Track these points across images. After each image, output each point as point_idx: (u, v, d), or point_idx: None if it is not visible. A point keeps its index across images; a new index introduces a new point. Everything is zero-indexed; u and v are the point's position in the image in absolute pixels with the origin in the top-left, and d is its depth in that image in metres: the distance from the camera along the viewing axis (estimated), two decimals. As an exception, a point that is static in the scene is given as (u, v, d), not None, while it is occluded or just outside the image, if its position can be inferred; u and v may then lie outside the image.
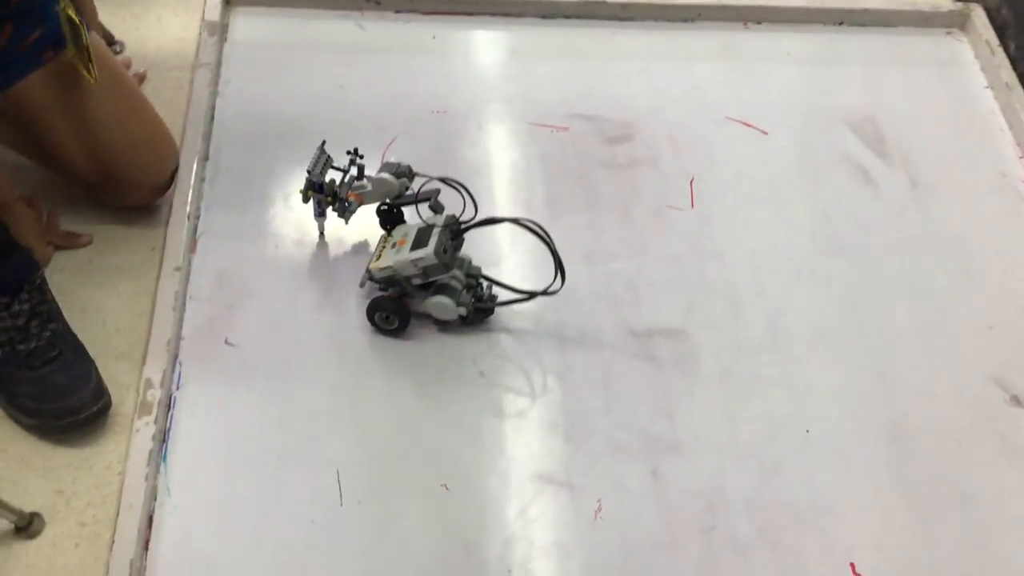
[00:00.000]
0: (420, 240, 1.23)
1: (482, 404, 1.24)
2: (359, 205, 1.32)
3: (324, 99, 1.55)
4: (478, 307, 1.27)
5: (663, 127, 1.56)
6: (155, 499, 1.14)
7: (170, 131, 1.39)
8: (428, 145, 1.51)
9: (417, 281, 1.24)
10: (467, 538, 1.14)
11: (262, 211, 1.41)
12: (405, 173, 1.30)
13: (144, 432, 1.16)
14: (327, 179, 1.30)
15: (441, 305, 1.24)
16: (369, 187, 1.30)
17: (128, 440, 1.17)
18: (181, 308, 1.28)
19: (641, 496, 1.18)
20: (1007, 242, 1.47)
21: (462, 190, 1.23)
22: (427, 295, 1.25)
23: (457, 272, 1.25)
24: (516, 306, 1.30)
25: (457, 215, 1.25)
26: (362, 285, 1.30)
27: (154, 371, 1.21)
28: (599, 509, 1.17)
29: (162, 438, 1.18)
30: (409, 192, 1.31)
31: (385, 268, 1.24)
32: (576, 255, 1.39)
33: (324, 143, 1.31)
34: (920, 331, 1.36)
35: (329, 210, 1.33)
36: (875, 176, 1.53)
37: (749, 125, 1.58)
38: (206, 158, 1.46)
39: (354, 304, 1.32)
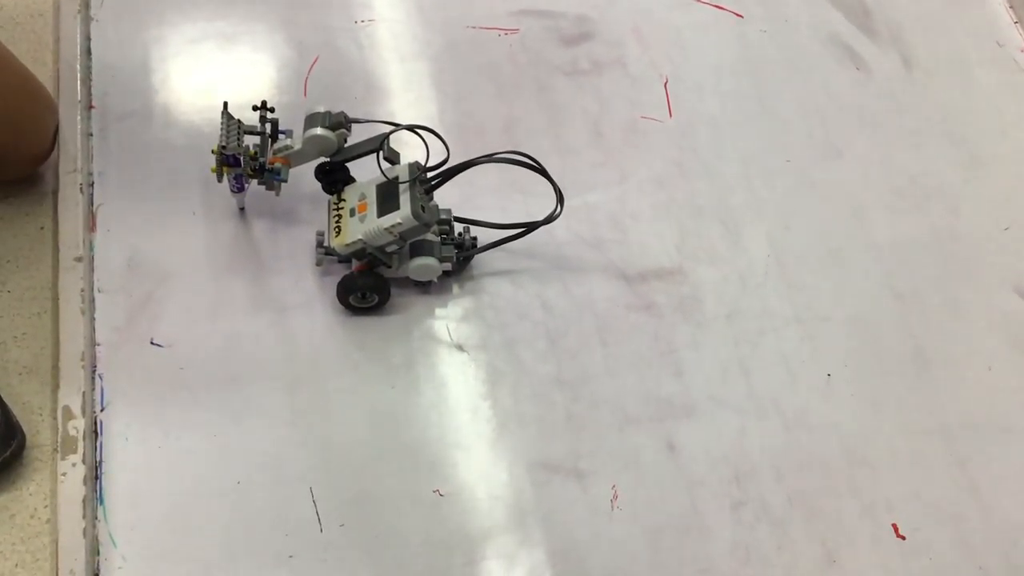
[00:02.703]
0: (386, 200, 1.02)
1: (467, 386, 1.08)
2: (288, 170, 1.08)
3: (224, 15, 1.29)
4: (463, 256, 1.09)
5: (625, 17, 1.35)
6: (98, 553, 0.95)
7: (40, 81, 1.12)
8: (355, 63, 1.28)
9: (392, 248, 1.05)
10: (470, 550, 0.99)
11: (172, 166, 1.17)
12: (341, 123, 1.07)
13: (72, 476, 0.96)
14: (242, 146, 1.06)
15: (424, 267, 1.06)
16: (297, 146, 1.07)
17: (53, 483, 0.98)
18: (90, 307, 1.06)
19: (659, 474, 1.05)
20: (1010, 123, 1.33)
21: (425, 134, 1.03)
22: (402, 260, 1.06)
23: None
24: (492, 261, 1.11)
25: (420, 162, 1.04)
26: (319, 264, 1.09)
27: (71, 395, 1.00)
28: (615, 496, 1.03)
29: (94, 476, 0.98)
30: (349, 144, 1.08)
31: (353, 243, 1.03)
32: (545, 188, 1.20)
33: (226, 105, 1.07)
34: (932, 238, 1.23)
35: (254, 183, 1.09)
36: (865, 58, 1.36)
37: (721, 7, 1.38)
38: (91, 107, 1.20)
39: (301, 278, 1.11)
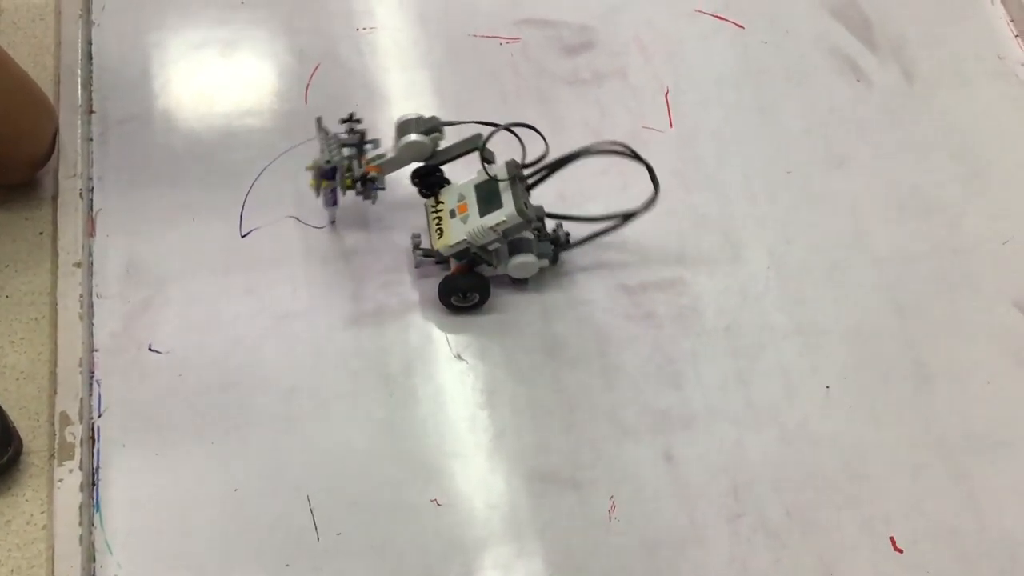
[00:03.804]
0: (488, 200, 1.03)
1: (465, 395, 1.07)
2: (384, 178, 1.08)
3: (225, 21, 1.29)
4: (559, 251, 1.11)
5: (627, 28, 1.35)
6: (94, 560, 0.95)
7: (39, 85, 1.12)
8: (357, 71, 1.27)
9: (494, 247, 1.06)
10: (467, 560, 0.99)
11: (171, 172, 1.17)
12: (436, 127, 1.07)
13: (69, 483, 0.96)
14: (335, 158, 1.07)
15: (523, 265, 1.08)
16: (391, 154, 1.07)
17: (49, 489, 0.97)
18: (89, 313, 1.06)
19: (657, 486, 1.05)
20: (1011, 136, 1.33)
21: (522, 131, 1.03)
22: (501, 258, 1.07)
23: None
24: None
25: (516, 159, 1.05)
26: (417, 266, 1.10)
27: (68, 401, 1.00)
28: (613, 508, 1.03)
29: (91, 483, 0.98)
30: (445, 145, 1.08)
31: (458, 243, 1.04)
32: (546, 199, 1.20)
33: (320, 120, 1.08)
34: (933, 251, 1.22)
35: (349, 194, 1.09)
36: (866, 70, 1.36)
37: (722, 18, 1.38)
38: (91, 111, 1.20)
39: (299, 285, 1.11)
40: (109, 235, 1.12)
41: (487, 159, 1.05)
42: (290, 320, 1.09)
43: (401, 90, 1.26)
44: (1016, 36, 1.42)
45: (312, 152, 1.12)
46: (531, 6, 1.35)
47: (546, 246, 1.09)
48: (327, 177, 1.06)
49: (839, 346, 1.14)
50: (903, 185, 1.27)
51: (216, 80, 1.24)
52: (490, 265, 1.08)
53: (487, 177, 1.04)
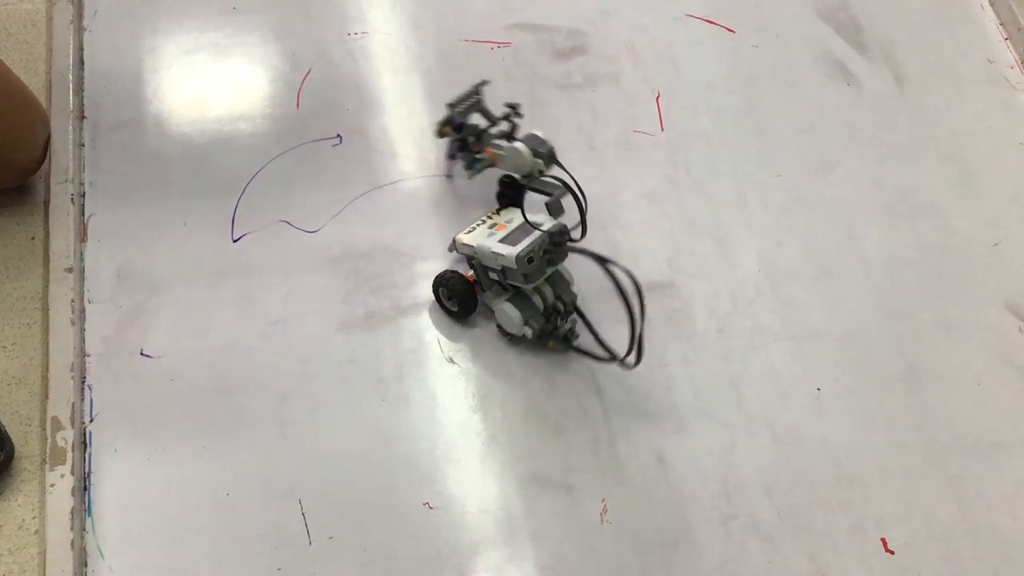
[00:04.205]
0: (515, 236, 1.03)
1: (456, 399, 1.07)
2: (489, 165, 1.12)
3: (217, 26, 1.29)
4: (550, 336, 1.08)
5: (619, 33, 1.35)
6: (86, 565, 0.95)
7: (32, 91, 1.12)
8: (349, 76, 1.28)
9: (494, 276, 1.06)
10: (460, 564, 0.99)
11: (163, 177, 1.17)
12: (544, 155, 1.08)
13: (60, 487, 0.96)
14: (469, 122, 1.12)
15: (506, 315, 1.06)
16: (504, 153, 1.09)
17: (41, 494, 0.97)
18: (80, 318, 1.06)
19: (649, 488, 1.05)
20: (1001, 139, 1.34)
21: (580, 201, 1.04)
22: (500, 295, 1.07)
23: (546, 288, 1.06)
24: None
25: (568, 226, 1.04)
26: (450, 250, 1.12)
27: (60, 406, 1.00)
28: (605, 510, 1.03)
29: (83, 487, 0.98)
30: (544, 177, 1.09)
31: (467, 246, 1.06)
32: (539, 202, 1.20)
33: (483, 84, 1.13)
34: (923, 254, 1.23)
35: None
36: (857, 74, 1.36)
37: (713, 23, 1.38)
38: (83, 116, 1.20)
39: (292, 290, 1.11)
40: (101, 240, 1.12)
41: (552, 210, 1.05)
42: (282, 324, 1.09)
43: (393, 95, 1.27)
44: (1005, 40, 1.43)
45: (304, 157, 1.13)
46: (523, 11, 1.36)
47: (539, 320, 1.06)
48: (455, 129, 1.11)
49: (830, 349, 1.15)
50: (893, 188, 1.27)
51: (208, 85, 1.25)
52: (482, 289, 1.08)
53: (540, 222, 1.03)
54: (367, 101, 1.26)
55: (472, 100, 1.12)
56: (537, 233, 1.03)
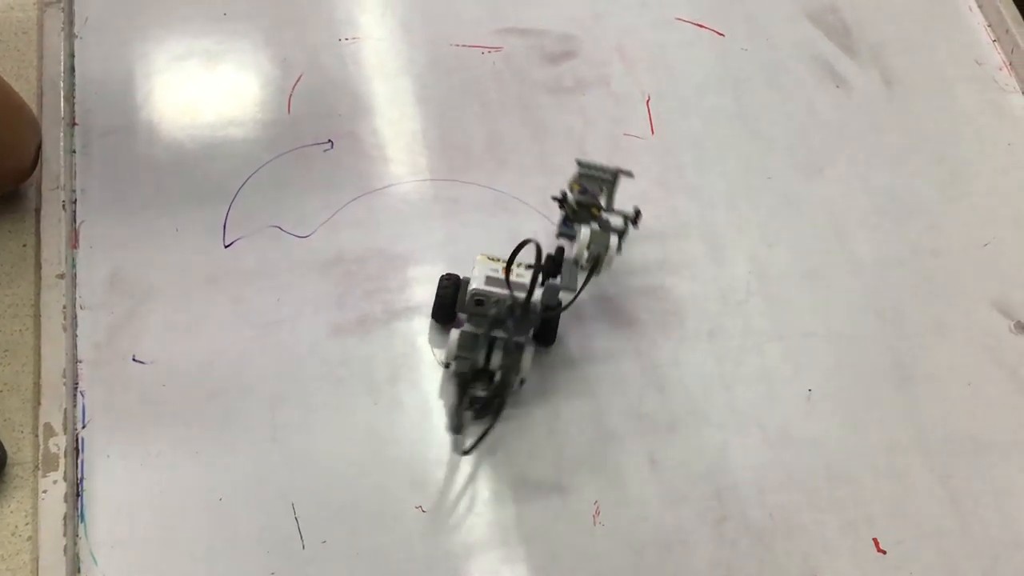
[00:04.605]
0: (498, 281, 1.01)
1: (449, 402, 1.07)
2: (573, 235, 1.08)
3: (208, 32, 1.29)
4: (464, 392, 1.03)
5: (610, 36, 1.36)
6: (79, 571, 0.95)
7: (23, 98, 1.12)
8: (339, 81, 1.28)
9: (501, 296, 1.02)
10: (453, 567, 0.99)
11: (155, 183, 1.17)
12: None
13: (53, 493, 0.96)
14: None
15: (448, 338, 1.04)
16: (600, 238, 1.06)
17: (34, 500, 0.97)
18: (72, 324, 1.06)
19: (641, 489, 1.05)
20: (990, 140, 1.35)
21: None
22: (469, 321, 1.04)
23: (496, 352, 1.02)
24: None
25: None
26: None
27: (52, 412, 1.00)
28: (597, 512, 1.03)
29: (76, 493, 0.98)
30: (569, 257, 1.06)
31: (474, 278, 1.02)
32: (529, 205, 1.21)
33: (627, 174, 1.10)
34: (913, 255, 1.23)
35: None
36: (846, 76, 1.37)
37: (703, 26, 1.39)
38: (74, 123, 1.20)
39: (284, 293, 1.11)
40: (93, 246, 1.12)
41: (554, 287, 1.04)
42: (274, 329, 1.09)
43: (384, 100, 1.27)
44: (994, 41, 1.43)
45: (295, 162, 1.14)
46: (513, 16, 1.36)
47: (464, 367, 1.02)
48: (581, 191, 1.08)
49: (821, 350, 1.15)
50: (883, 189, 1.28)
51: (199, 91, 1.25)
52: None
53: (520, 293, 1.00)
54: (358, 106, 1.26)
55: (605, 175, 1.08)
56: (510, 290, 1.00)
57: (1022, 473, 1.10)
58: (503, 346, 1.02)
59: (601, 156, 1.25)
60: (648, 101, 1.31)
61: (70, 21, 1.26)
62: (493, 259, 1.04)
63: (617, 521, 1.03)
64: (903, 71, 1.38)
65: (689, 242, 1.21)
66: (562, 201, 1.09)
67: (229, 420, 1.03)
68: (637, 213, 1.09)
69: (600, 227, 1.06)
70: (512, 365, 1.02)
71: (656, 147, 1.28)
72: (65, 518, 0.95)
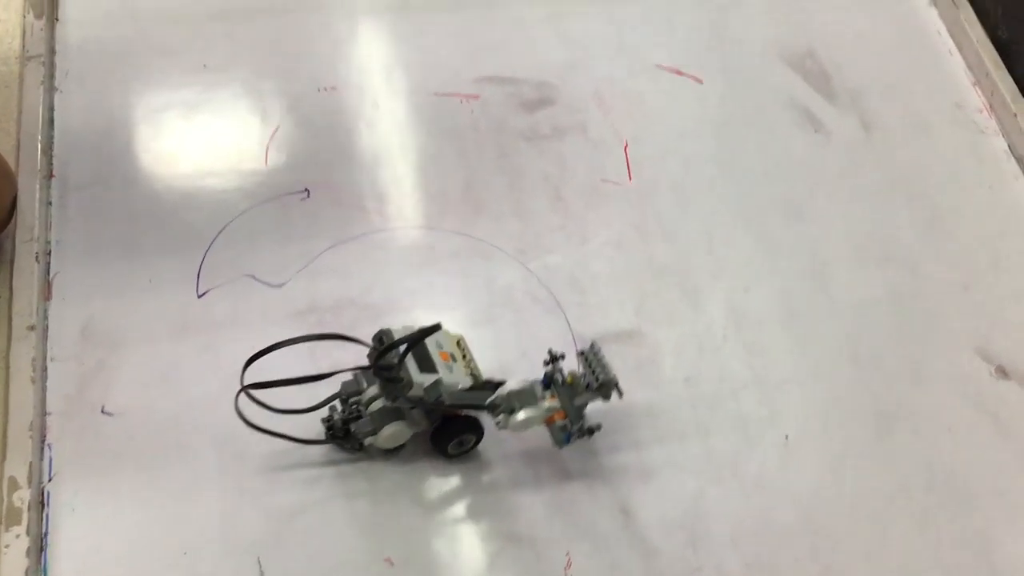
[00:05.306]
0: (426, 359, 0.98)
1: (418, 449, 1.06)
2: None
3: (187, 84, 1.30)
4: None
5: (587, 84, 1.37)
6: (40, 628, 0.94)
7: (0, 152, 1.13)
8: (317, 131, 1.29)
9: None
10: (422, 620, 0.98)
11: (129, 235, 1.18)
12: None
13: (16, 548, 0.95)
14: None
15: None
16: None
17: (-4, 555, 0.96)
18: (42, 376, 1.06)
19: (614, 540, 1.03)
20: (970, 183, 1.34)
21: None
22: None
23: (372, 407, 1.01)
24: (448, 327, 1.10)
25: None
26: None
27: (18, 466, 0.99)
28: (569, 564, 1.02)
29: (39, 548, 0.97)
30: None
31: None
32: (506, 252, 1.21)
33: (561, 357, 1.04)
34: (893, 299, 1.23)
35: None
36: (824, 121, 1.37)
37: (681, 73, 1.40)
38: (50, 176, 1.21)
39: (256, 344, 1.10)
40: (65, 298, 1.12)
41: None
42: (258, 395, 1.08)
43: (361, 149, 1.28)
44: (974, 84, 1.44)
45: (271, 212, 1.14)
46: (491, 64, 1.37)
47: (343, 409, 1.02)
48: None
49: (798, 395, 1.14)
50: (862, 233, 1.27)
51: (177, 143, 1.26)
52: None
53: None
54: (335, 155, 1.27)
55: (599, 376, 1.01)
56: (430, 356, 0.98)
57: (1003, 521, 1.08)
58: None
59: (578, 202, 1.26)
60: (626, 147, 1.31)
61: (51, 75, 1.27)
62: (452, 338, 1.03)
63: (589, 572, 1.01)
64: (882, 115, 1.38)
65: (666, 287, 1.21)
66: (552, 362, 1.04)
67: (196, 472, 1.03)
68: (591, 430, 1.03)
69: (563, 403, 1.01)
70: (377, 416, 1.00)
71: (633, 193, 1.28)
72: (27, 573, 0.94)
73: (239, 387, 0.97)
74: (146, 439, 1.04)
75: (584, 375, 1.01)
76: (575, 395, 1.01)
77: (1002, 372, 1.18)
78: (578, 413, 1.01)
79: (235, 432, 1.04)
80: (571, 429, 1.01)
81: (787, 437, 1.11)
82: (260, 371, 1.00)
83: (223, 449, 1.04)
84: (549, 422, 1.01)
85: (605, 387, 1.00)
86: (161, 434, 1.05)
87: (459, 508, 1.04)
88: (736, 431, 1.11)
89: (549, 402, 1.00)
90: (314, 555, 0.99)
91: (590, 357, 1.02)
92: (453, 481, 1.04)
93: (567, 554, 1.02)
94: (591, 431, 1.02)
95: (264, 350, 0.99)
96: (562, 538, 1.03)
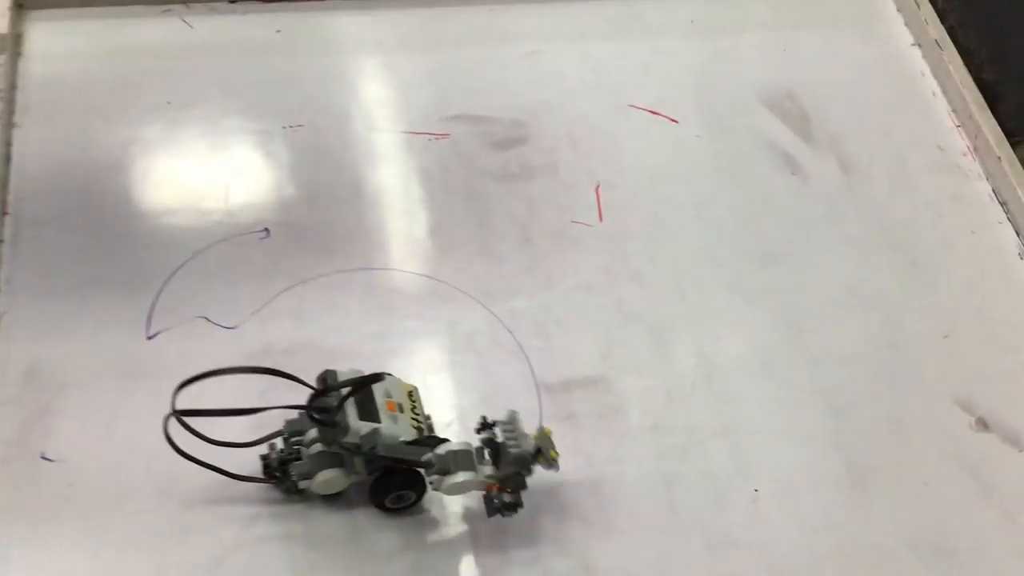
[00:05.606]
0: (369, 407, 0.95)
1: (359, 497, 1.01)
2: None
3: (150, 121, 1.28)
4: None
5: (559, 124, 1.34)
6: None
7: (-49, 187, 1.11)
8: (281, 169, 1.26)
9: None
10: None
11: (82, 275, 1.14)
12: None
13: (-60, 601, 0.91)
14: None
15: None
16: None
17: (-79, 609, 0.92)
18: (-19, 421, 1.02)
19: (573, 600, 0.99)
20: (953, 228, 1.31)
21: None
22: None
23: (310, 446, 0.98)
24: (409, 372, 1.06)
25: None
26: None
27: (-51, 514, 0.95)
28: (524, 624, 0.97)
29: (-34, 602, 0.93)
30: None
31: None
32: (470, 295, 1.17)
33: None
34: (870, 349, 1.19)
35: None
36: (802, 164, 1.34)
37: (656, 113, 1.37)
38: (4, 213, 1.18)
39: (203, 392, 1.07)
40: (12, 339, 1.09)
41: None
42: (193, 425, 1.04)
43: (325, 188, 1.25)
44: (957, 127, 1.41)
45: (229, 251, 1.11)
46: (463, 103, 1.34)
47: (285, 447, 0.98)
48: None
49: (769, 448, 1.10)
50: (839, 280, 1.24)
51: (137, 180, 1.23)
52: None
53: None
54: (299, 194, 1.24)
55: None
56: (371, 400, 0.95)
57: (985, 582, 1.03)
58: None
59: (546, 244, 1.22)
60: (598, 188, 1.28)
61: (10, 110, 1.25)
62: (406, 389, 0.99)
63: (544, 634, 0.96)
64: (863, 157, 1.35)
65: (634, 333, 1.17)
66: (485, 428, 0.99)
67: (136, 525, 0.98)
68: (512, 506, 0.97)
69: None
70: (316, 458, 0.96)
71: (603, 234, 1.24)
72: (-48, 627, 0.89)
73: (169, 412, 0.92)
74: (85, 487, 1.00)
75: (506, 445, 0.96)
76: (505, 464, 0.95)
77: (983, 424, 1.14)
78: (516, 483, 0.96)
79: (178, 479, 1.00)
80: (496, 500, 0.95)
81: (757, 491, 1.06)
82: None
83: (165, 501, 1.00)
84: (488, 489, 0.96)
85: (521, 460, 0.95)
86: (101, 482, 1.00)
87: (414, 565, 0.99)
88: (703, 484, 1.07)
89: (490, 469, 0.95)
90: (258, 611, 0.95)
91: (507, 428, 0.97)
92: (392, 536, 1.00)
93: (522, 614, 0.97)
94: (511, 507, 0.96)
95: (198, 376, 0.94)
96: (518, 596, 0.98)
